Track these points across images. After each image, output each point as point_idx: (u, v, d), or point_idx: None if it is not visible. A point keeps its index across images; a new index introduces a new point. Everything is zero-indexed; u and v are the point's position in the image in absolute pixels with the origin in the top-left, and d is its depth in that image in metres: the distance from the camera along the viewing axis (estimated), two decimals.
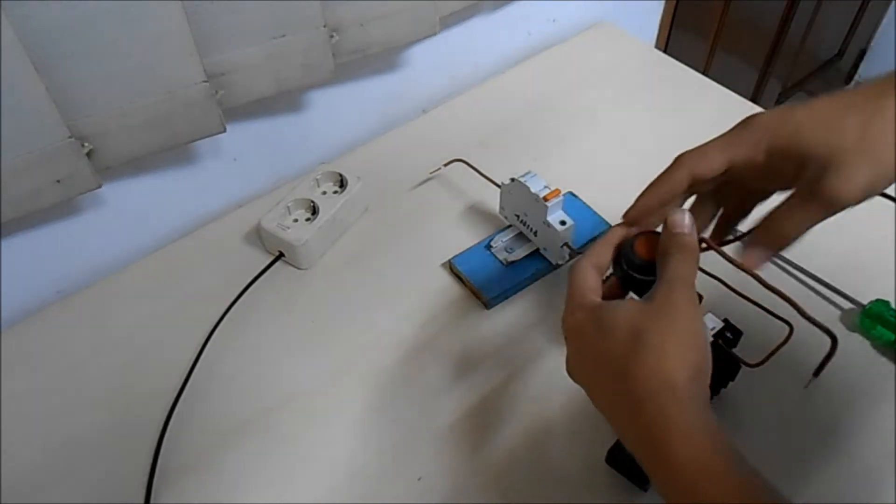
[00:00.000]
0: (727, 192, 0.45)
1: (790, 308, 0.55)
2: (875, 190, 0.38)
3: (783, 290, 0.42)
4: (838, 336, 0.42)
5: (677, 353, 0.35)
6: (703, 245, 0.42)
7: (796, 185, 0.39)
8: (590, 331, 0.39)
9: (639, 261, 0.41)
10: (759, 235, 0.41)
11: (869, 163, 0.37)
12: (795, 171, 0.39)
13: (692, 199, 0.45)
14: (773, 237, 0.40)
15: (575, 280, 0.41)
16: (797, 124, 0.38)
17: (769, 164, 0.40)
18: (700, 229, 0.45)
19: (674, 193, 0.42)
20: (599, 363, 0.38)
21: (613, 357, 0.37)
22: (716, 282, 0.58)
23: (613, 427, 0.38)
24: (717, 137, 0.41)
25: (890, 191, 0.68)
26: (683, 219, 0.40)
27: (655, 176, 0.43)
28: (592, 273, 0.42)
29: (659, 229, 0.42)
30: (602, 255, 0.42)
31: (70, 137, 0.53)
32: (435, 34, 0.70)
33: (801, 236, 0.40)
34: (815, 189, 0.38)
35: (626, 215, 0.44)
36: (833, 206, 0.38)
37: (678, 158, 0.42)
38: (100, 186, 0.57)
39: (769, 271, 0.62)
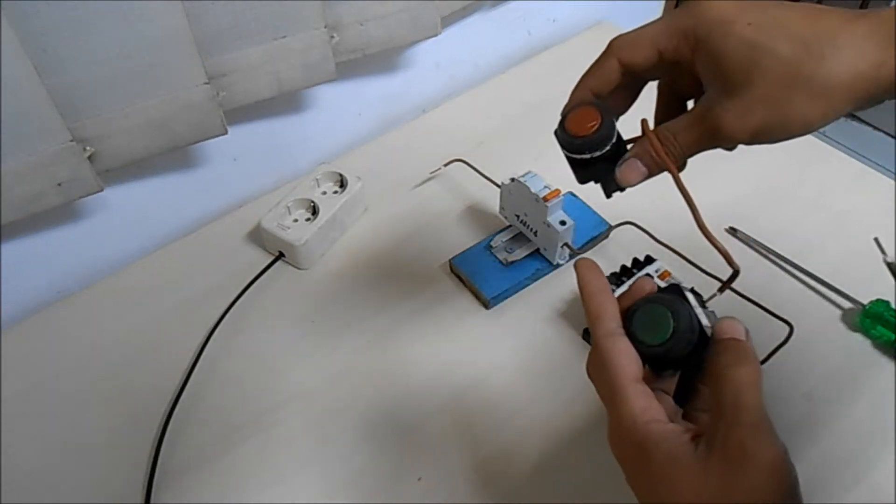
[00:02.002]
0: (683, 83, 0.38)
1: (790, 308, 0.55)
2: (769, 138, 0.33)
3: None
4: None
5: None
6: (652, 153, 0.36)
7: (698, 102, 0.35)
8: (643, 472, 0.32)
9: (572, 139, 0.37)
10: (639, 149, 0.36)
11: (772, 108, 0.32)
12: (710, 80, 0.34)
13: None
14: (651, 154, 0.36)
15: (623, 398, 0.32)
16: (731, 28, 0.33)
17: (693, 63, 0.34)
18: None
19: (607, 84, 0.37)
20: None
21: None
22: (716, 282, 0.58)
23: None
24: (658, 19, 0.36)
25: (891, 190, 0.68)
26: (737, 328, 0.33)
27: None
28: (641, 391, 0.32)
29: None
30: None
31: (72, 141, 0.53)
32: (436, 35, 0.70)
33: (683, 159, 0.36)
34: (706, 111, 0.34)
35: (562, 112, 0.39)
36: (715, 139, 0.34)
37: (609, 44, 0.37)
38: (101, 190, 0.57)
39: (771, 270, 0.62)
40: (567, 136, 0.37)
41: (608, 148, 0.37)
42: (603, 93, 0.38)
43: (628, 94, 0.39)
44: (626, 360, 0.33)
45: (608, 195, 0.40)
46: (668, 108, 0.40)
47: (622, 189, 0.39)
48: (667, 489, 0.30)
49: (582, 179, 0.40)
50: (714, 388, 0.32)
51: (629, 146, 0.38)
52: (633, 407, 0.32)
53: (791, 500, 0.30)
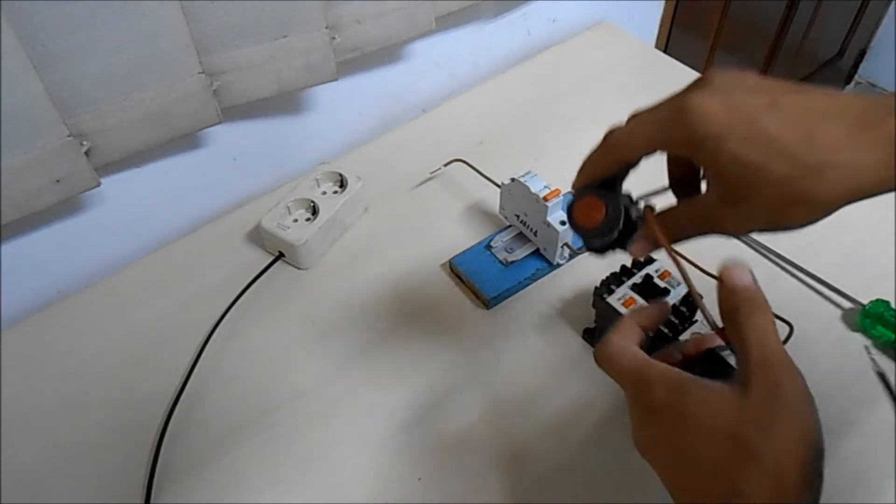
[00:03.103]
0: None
1: (790, 308, 0.55)
2: (767, 230, 0.35)
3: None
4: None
5: (793, 463, 0.33)
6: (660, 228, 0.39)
7: (703, 194, 0.37)
8: (673, 418, 0.34)
9: (583, 231, 0.40)
10: (646, 233, 0.39)
11: (772, 217, 0.33)
12: (710, 182, 0.36)
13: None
14: (655, 236, 0.38)
15: (648, 365, 0.37)
16: (723, 144, 0.32)
17: (692, 160, 0.36)
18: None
19: (607, 172, 0.38)
20: (689, 462, 0.34)
21: (711, 465, 0.33)
22: (715, 282, 0.58)
23: None
24: (649, 112, 0.35)
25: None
26: (744, 275, 0.36)
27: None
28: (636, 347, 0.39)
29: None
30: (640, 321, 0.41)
31: (69, 136, 0.53)
32: (431, 32, 0.70)
33: (687, 241, 0.38)
34: (707, 212, 0.36)
35: (571, 191, 0.41)
36: (717, 233, 0.36)
37: (606, 138, 0.38)
38: (99, 185, 0.57)
39: (771, 270, 0.62)
40: (576, 227, 0.40)
41: (615, 235, 0.39)
42: (606, 177, 0.39)
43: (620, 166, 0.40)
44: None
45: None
46: (677, 168, 0.41)
47: None
48: (707, 428, 0.33)
49: (597, 253, 0.42)
50: (737, 338, 0.35)
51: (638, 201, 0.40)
52: (659, 365, 0.36)
53: (818, 424, 0.35)
